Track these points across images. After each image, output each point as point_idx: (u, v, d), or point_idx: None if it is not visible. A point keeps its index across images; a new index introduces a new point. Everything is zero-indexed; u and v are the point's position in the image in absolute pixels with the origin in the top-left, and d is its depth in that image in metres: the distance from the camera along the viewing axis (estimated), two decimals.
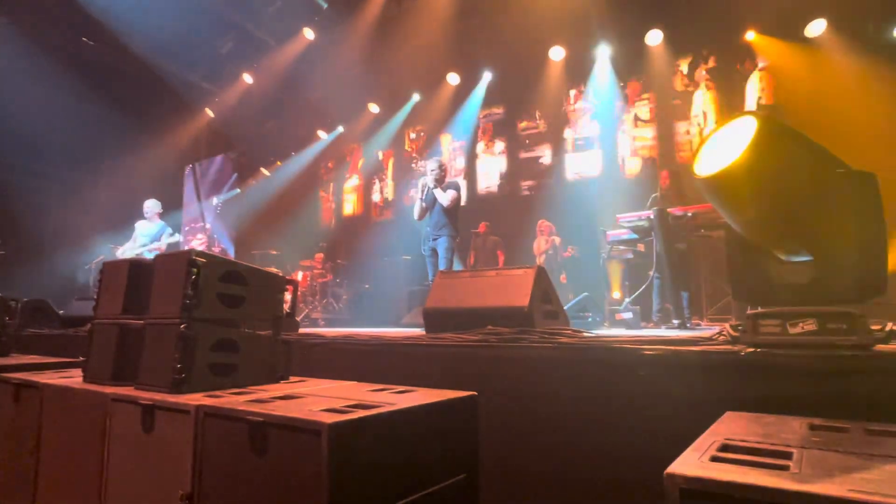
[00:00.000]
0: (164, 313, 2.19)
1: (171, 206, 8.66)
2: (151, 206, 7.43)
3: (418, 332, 3.98)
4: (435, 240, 5.36)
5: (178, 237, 7.69)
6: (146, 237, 7.31)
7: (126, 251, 7.29)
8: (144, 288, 2.35)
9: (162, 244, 7.26)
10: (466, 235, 7.76)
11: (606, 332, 3.95)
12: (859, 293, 1.74)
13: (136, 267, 2.50)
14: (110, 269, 2.66)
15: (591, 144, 9.02)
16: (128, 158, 11.97)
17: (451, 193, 5.34)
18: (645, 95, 8.56)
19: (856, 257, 1.74)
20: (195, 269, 2.11)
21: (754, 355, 1.75)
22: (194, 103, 11.74)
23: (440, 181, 5.44)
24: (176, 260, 2.22)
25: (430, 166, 5.50)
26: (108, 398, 2.07)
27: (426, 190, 5.44)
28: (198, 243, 12.94)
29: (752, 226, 1.90)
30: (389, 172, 11.84)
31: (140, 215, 7.52)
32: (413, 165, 11.36)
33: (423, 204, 5.47)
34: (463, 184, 9.93)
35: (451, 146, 10.78)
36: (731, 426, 1.40)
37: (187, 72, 10.70)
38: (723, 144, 1.90)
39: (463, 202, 5.96)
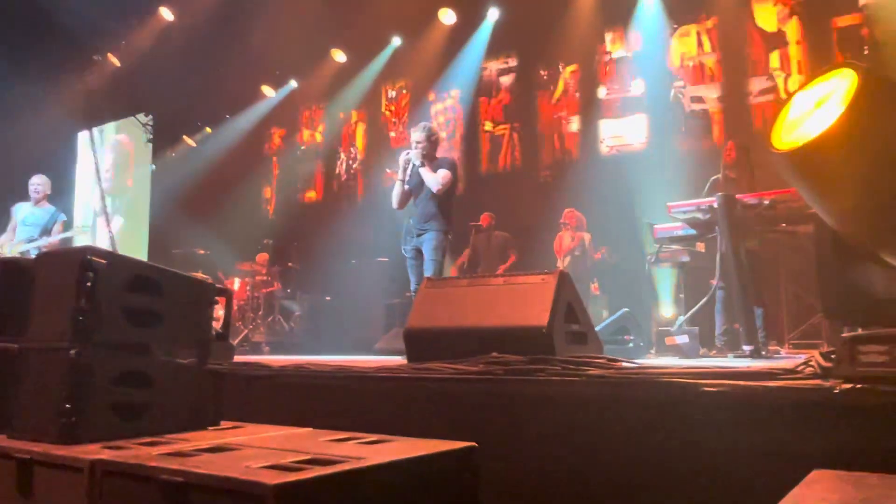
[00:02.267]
0: (48, 334, 2.17)
1: (60, 187, 8.55)
2: (41, 184, 7.20)
3: (397, 360, 3.98)
4: (420, 235, 5.36)
5: (72, 232, 7.52)
6: (32, 227, 7.07)
7: (2, 247, 7.04)
8: (21, 299, 2.33)
9: (54, 238, 7.06)
10: (463, 230, 7.77)
11: (653, 361, 3.97)
12: None
13: (11, 270, 2.48)
14: None
15: (633, 106, 9.05)
16: None
17: (442, 174, 5.32)
18: (707, 41, 8.60)
19: None
20: (92, 274, 2.10)
21: (852, 393, 1.75)
22: (91, 47, 11.64)
23: (429, 157, 5.42)
24: (65, 261, 2.20)
25: (414, 136, 5.47)
26: None
27: (410, 168, 5.42)
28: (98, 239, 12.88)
29: (850, 217, 1.91)
30: (360, 144, 11.84)
31: (18, 195, 7.41)
32: (393, 134, 11.36)
33: (406, 187, 5.47)
34: (459, 160, 9.94)
35: (443, 108, 10.79)
36: (820, 490, 1.41)
37: (81, 3, 10.63)
38: (811, 107, 1.91)
39: (460, 185, 5.96)
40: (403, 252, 5.46)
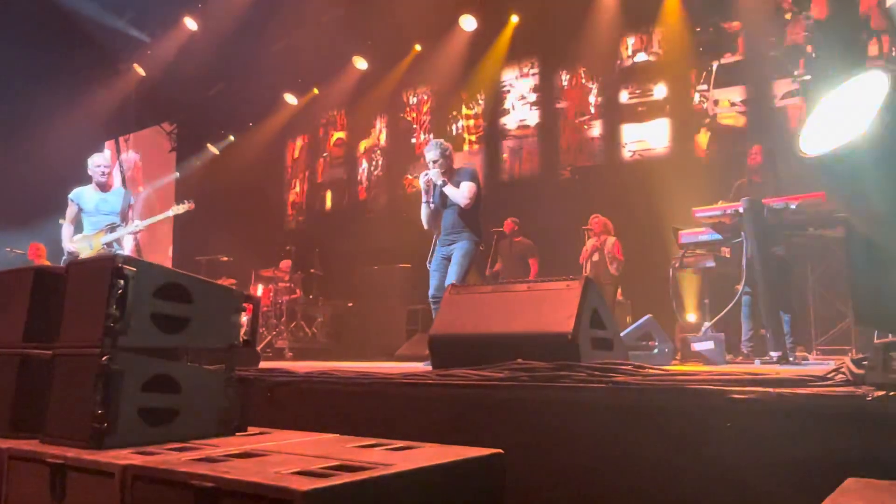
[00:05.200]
0: (79, 340, 2.20)
1: None
2: (106, 165, 6.25)
3: (421, 367, 3.99)
4: (450, 245, 5.32)
5: (172, 211, 6.54)
6: (110, 215, 6.14)
7: (76, 243, 6.07)
8: (54, 306, 2.37)
9: (142, 224, 6.18)
10: (487, 237, 7.77)
11: (679, 367, 3.93)
12: None
13: (43, 277, 2.52)
14: (7, 280, 2.68)
15: (656, 111, 8.99)
16: (25, 130, 12.07)
17: (468, 187, 5.27)
18: (730, 43, 8.53)
19: None
20: (122, 281, 2.12)
21: (885, 401, 1.73)
22: (118, 57, 11.84)
23: (448, 172, 5.38)
24: (96, 269, 2.23)
25: (429, 155, 5.41)
26: (4, 455, 2.08)
27: (434, 188, 5.39)
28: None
29: (883, 221, 1.89)
30: (381, 150, 11.89)
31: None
32: (414, 140, 11.39)
33: (432, 206, 5.43)
34: (480, 165, 9.96)
35: (463, 113, 10.81)
36: (855, 498, 1.39)
37: (109, 14, 10.82)
38: (841, 111, 1.89)
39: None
40: (428, 265, 5.41)
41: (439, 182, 5.34)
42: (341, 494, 1.47)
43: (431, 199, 5.41)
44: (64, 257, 6.09)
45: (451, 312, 3.19)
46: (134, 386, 2.14)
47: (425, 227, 5.54)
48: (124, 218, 6.19)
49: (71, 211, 6.16)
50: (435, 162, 5.36)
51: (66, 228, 6.16)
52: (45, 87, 11.52)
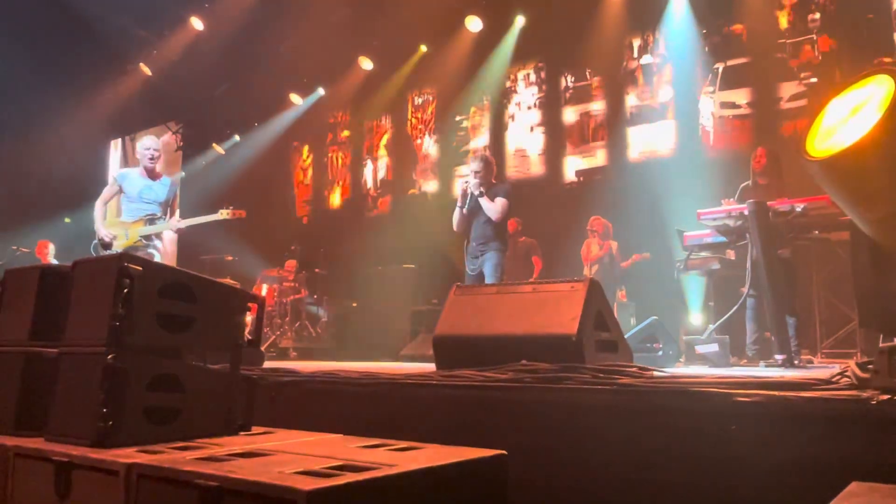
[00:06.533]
0: (84, 339, 2.21)
1: (93, 194, 8.66)
2: (157, 148, 5.87)
3: (426, 367, 3.99)
4: (480, 255, 5.69)
5: (219, 215, 6.10)
6: (152, 204, 5.77)
7: (111, 225, 5.70)
8: (60, 304, 2.38)
9: (177, 223, 5.82)
10: None
11: (683, 370, 3.93)
12: None
13: (50, 276, 2.53)
14: (13, 278, 2.70)
15: (662, 113, 8.98)
16: (31, 129, 12.11)
17: (501, 203, 5.61)
18: (736, 45, 8.52)
19: None
20: (128, 281, 2.13)
21: (890, 405, 1.73)
22: (124, 56, 11.87)
23: (486, 183, 5.68)
24: (102, 268, 2.24)
25: (473, 166, 5.76)
26: (9, 453, 2.09)
27: (469, 197, 5.71)
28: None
29: (887, 225, 1.88)
30: (386, 151, 11.90)
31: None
32: (419, 141, 11.40)
33: (464, 211, 5.74)
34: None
35: (469, 115, 10.81)
36: (859, 503, 1.38)
37: (114, 13, 10.84)
38: (847, 114, 1.89)
39: None
40: (469, 271, 5.74)
41: (476, 192, 5.65)
42: (345, 494, 1.48)
43: (465, 206, 5.73)
44: (94, 242, 5.73)
45: (455, 313, 3.19)
46: (139, 385, 2.15)
47: (455, 229, 5.86)
48: (166, 210, 5.85)
49: (110, 191, 5.80)
50: (476, 172, 5.69)
51: (100, 209, 5.73)
52: (51, 87, 11.56)
